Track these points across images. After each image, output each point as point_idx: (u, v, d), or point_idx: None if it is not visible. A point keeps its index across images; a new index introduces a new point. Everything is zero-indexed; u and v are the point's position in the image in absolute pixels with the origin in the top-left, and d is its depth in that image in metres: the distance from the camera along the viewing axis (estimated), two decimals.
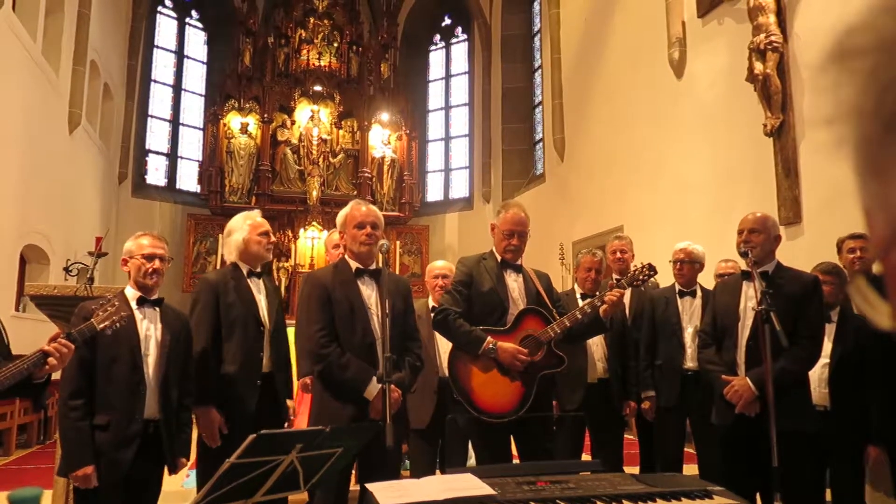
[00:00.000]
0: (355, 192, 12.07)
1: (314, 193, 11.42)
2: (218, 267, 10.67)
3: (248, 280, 3.13)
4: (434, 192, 14.56)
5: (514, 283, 3.23)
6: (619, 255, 4.46)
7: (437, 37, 15.33)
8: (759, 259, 2.92)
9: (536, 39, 12.76)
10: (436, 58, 15.34)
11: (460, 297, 3.13)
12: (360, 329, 2.84)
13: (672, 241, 5.64)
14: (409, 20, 14.72)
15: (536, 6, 12.78)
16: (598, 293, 3.55)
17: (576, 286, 4.13)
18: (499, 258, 3.23)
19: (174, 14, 14.05)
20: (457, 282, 3.20)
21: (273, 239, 3.29)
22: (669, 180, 7.78)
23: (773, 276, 2.94)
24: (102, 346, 2.56)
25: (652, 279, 3.64)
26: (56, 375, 2.36)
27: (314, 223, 11.41)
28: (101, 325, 2.36)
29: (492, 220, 3.34)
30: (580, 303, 3.92)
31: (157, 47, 13.63)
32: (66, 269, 8.85)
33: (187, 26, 14.26)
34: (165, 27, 13.90)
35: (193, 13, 14.39)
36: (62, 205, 8.96)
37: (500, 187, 12.71)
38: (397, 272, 10.91)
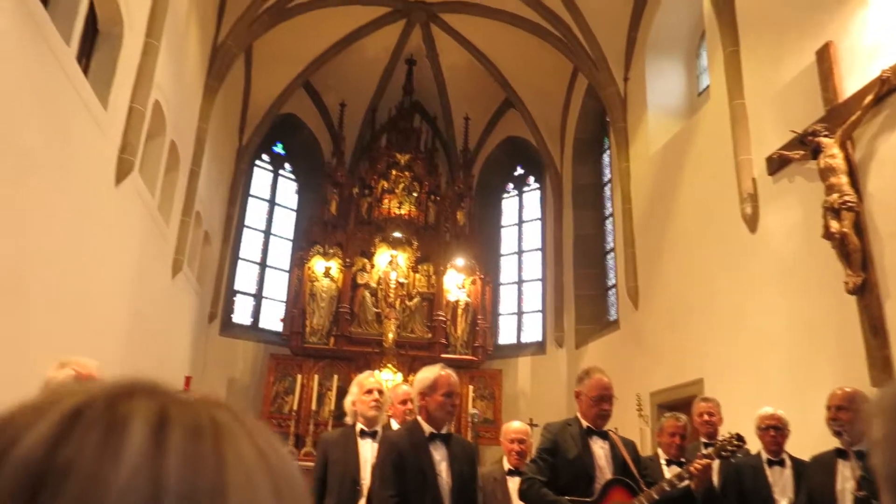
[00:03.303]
0: (430, 335, 12.32)
1: (390, 336, 11.73)
2: (296, 405, 10.97)
3: (360, 438, 3.37)
4: (506, 336, 14.65)
5: (600, 450, 3.26)
6: (706, 417, 4.40)
7: (511, 185, 16.12)
8: (853, 437, 2.88)
9: (607, 189, 13.23)
10: (509, 205, 16.03)
11: (545, 465, 3.18)
12: (430, 497, 2.94)
13: (752, 396, 5.50)
14: (483, 170, 15.62)
15: (606, 158, 13.37)
16: (684, 461, 3.53)
17: (660, 451, 4.09)
18: (584, 424, 3.29)
19: (270, 167, 15.42)
20: (542, 449, 3.26)
21: (377, 397, 3.51)
22: (748, 333, 7.66)
23: (868, 455, 2.88)
24: None
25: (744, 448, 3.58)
26: None
27: (389, 365, 11.62)
28: None
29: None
30: (665, 469, 3.88)
31: (252, 196, 14.87)
32: None
33: (280, 177, 15.58)
34: (261, 178, 15.22)
35: (286, 166, 15.77)
36: (158, 345, 9.55)
37: (573, 332, 12.68)
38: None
